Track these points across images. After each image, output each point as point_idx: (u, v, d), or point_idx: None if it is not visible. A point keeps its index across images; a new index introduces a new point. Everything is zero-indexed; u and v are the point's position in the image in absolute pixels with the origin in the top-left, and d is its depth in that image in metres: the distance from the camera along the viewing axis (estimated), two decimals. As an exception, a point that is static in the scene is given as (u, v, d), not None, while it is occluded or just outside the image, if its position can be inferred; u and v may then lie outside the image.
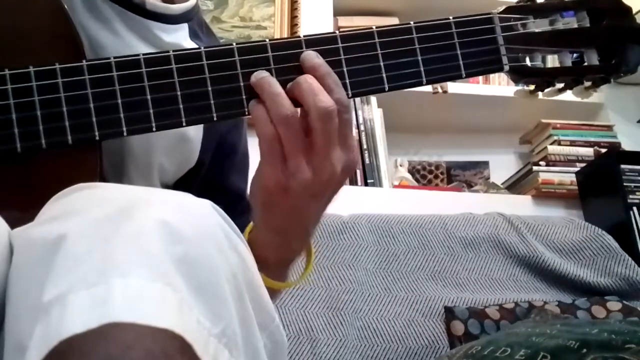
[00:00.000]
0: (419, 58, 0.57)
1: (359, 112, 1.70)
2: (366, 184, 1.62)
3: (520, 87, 0.68)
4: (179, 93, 0.53)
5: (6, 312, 0.35)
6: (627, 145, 1.80)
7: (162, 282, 0.33)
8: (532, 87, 0.65)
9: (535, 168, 1.73)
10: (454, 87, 1.78)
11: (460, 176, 1.98)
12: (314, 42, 0.55)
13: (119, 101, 0.52)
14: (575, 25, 0.62)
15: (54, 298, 0.32)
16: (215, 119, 0.53)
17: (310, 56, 0.53)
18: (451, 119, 1.90)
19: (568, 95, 0.67)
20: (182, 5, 0.68)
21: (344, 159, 0.51)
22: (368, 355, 1.11)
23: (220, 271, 0.36)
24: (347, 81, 0.55)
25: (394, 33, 0.57)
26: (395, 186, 1.72)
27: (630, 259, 1.35)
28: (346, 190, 1.53)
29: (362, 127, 1.68)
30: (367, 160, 1.64)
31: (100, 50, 0.60)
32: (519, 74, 0.62)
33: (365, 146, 1.66)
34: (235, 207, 0.59)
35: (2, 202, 0.45)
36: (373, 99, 1.73)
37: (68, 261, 0.34)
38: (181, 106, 0.53)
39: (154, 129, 0.53)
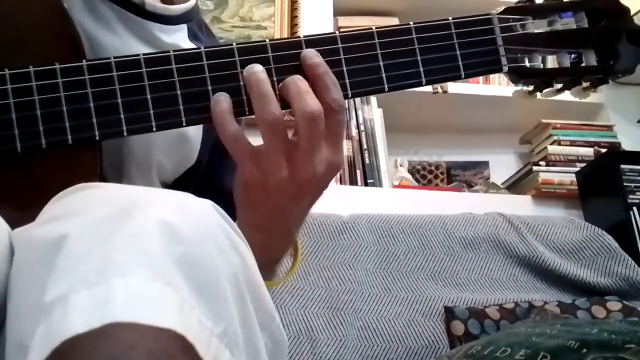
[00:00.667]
0: (419, 58, 0.57)
1: (359, 112, 1.70)
2: (366, 184, 1.62)
3: (519, 88, 0.68)
4: (179, 93, 0.53)
5: (7, 312, 0.35)
6: (627, 145, 1.80)
7: (163, 282, 0.33)
8: (530, 87, 0.65)
9: (535, 168, 1.73)
10: (454, 87, 1.78)
11: (460, 176, 1.98)
12: (314, 42, 0.55)
13: (119, 101, 0.52)
14: (574, 26, 0.63)
15: (55, 298, 0.32)
16: (215, 118, 0.53)
17: (310, 54, 0.53)
18: (451, 119, 1.90)
19: (568, 96, 0.67)
20: (182, 6, 0.68)
21: (329, 160, 0.51)
22: (368, 355, 1.11)
23: (221, 271, 0.36)
24: (347, 81, 0.55)
25: (394, 33, 0.57)
26: (395, 186, 1.72)
27: (630, 259, 1.35)
28: (346, 190, 1.55)
29: (362, 127, 1.68)
30: (367, 160, 1.64)
31: (99, 51, 0.60)
32: (517, 75, 0.62)
33: (365, 146, 1.66)
34: (230, 207, 0.59)
35: (2, 202, 0.45)
36: (373, 99, 1.73)
37: (69, 261, 0.34)
38: (181, 106, 0.53)
39: (154, 129, 0.53)
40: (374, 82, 0.56)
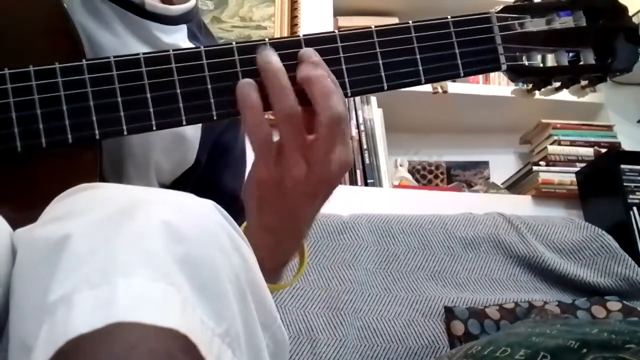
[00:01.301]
0: (418, 57, 0.57)
1: (359, 112, 1.70)
2: (366, 184, 1.62)
3: (517, 86, 0.68)
4: (178, 91, 0.53)
5: (10, 312, 0.35)
6: (627, 145, 1.80)
7: (165, 282, 0.33)
8: (529, 86, 0.65)
9: (535, 168, 1.73)
10: (454, 87, 1.78)
11: (460, 176, 1.98)
12: (313, 41, 0.55)
13: (119, 100, 0.52)
14: (572, 25, 0.63)
15: (59, 298, 0.32)
16: (215, 117, 0.53)
17: (308, 53, 0.53)
18: (451, 119, 1.91)
19: (568, 95, 0.67)
20: (181, 7, 0.69)
21: (341, 159, 0.51)
22: (368, 355, 1.11)
23: (223, 271, 0.36)
24: (346, 80, 0.55)
25: (393, 32, 0.57)
26: (395, 186, 1.72)
27: (630, 259, 1.36)
28: (346, 190, 1.55)
29: (362, 127, 1.68)
30: (367, 160, 1.64)
31: (99, 50, 0.60)
32: (516, 73, 0.62)
33: (365, 146, 1.66)
34: (229, 208, 0.59)
35: (2, 202, 0.45)
36: (373, 98, 1.73)
37: (72, 261, 0.34)
38: (181, 105, 0.53)
39: (154, 128, 0.52)
40: (373, 81, 0.56)
